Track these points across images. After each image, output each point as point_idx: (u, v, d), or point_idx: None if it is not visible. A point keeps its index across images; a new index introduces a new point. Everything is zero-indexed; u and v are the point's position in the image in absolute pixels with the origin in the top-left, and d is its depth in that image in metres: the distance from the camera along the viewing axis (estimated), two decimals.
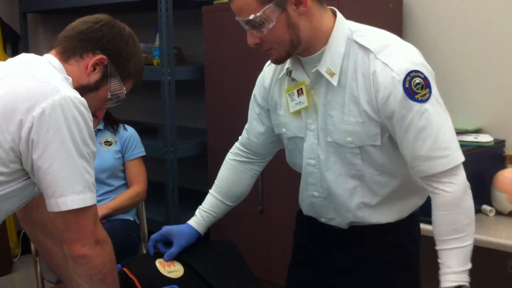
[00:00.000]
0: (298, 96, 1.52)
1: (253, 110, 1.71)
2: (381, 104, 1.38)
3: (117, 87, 1.50)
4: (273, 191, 2.67)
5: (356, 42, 1.42)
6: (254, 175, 1.77)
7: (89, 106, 1.40)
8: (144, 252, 2.74)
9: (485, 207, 2.27)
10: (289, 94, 1.54)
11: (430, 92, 1.37)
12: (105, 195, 2.64)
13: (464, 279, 1.39)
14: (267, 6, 1.36)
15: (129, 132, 2.73)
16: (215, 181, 1.81)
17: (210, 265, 1.61)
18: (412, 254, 1.59)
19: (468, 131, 2.40)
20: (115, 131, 2.69)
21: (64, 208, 1.30)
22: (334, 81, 1.43)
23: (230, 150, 1.80)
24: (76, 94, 1.34)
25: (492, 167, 2.30)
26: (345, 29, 1.45)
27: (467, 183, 1.41)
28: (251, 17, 1.37)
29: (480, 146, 2.28)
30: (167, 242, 1.66)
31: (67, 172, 1.30)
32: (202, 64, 2.99)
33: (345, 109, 1.43)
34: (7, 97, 1.31)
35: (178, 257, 1.61)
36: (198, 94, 3.19)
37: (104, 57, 1.46)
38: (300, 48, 1.44)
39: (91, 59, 1.45)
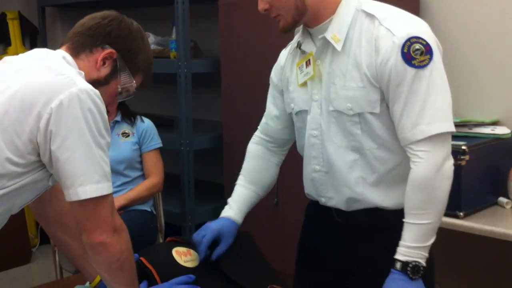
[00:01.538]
0: (306, 67, 1.54)
1: (270, 94, 1.74)
2: (381, 67, 1.39)
3: (127, 81, 1.52)
4: (289, 183, 2.68)
5: (364, 11, 1.44)
6: (278, 164, 1.79)
7: (105, 99, 1.42)
8: (161, 241, 2.77)
9: (502, 199, 2.25)
10: (299, 67, 1.56)
11: (430, 59, 1.35)
12: (122, 186, 2.67)
13: (416, 255, 1.37)
14: None
15: (146, 124, 2.76)
16: (242, 172, 1.81)
17: (225, 254, 1.63)
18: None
19: (485, 123, 2.38)
20: (132, 123, 2.73)
21: (83, 196, 1.32)
22: (338, 46, 1.45)
23: (251, 140, 1.81)
24: (91, 87, 1.36)
25: (509, 159, 2.28)
26: (355, 1, 1.46)
27: (444, 166, 1.37)
28: None
29: (497, 139, 2.26)
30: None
31: (85, 162, 1.32)
32: (218, 57, 3.01)
33: (348, 75, 1.44)
34: (26, 89, 1.34)
35: (194, 246, 1.63)
36: (213, 87, 3.21)
37: (113, 51, 1.48)
38: (307, 16, 1.46)
39: (100, 54, 1.47)
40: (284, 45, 1.75)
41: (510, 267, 2.50)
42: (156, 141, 2.77)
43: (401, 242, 1.39)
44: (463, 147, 2.06)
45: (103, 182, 1.34)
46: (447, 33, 2.62)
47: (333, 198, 1.55)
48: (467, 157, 2.06)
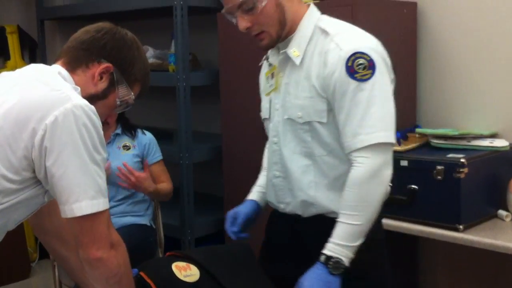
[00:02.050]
0: (271, 79, 1.67)
1: None
2: (327, 79, 1.48)
3: (125, 93, 1.52)
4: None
5: (320, 27, 1.55)
6: None
7: (100, 114, 1.42)
8: (160, 256, 2.76)
9: (502, 212, 2.25)
10: (266, 78, 1.70)
11: (372, 74, 1.45)
12: (123, 200, 2.67)
13: (340, 253, 1.45)
14: None
15: (148, 137, 2.78)
16: (262, 165, 1.91)
17: (226, 269, 1.63)
18: (364, 261, 1.53)
19: (484, 136, 2.39)
20: (133, 136, 2.74)
21: (78, 213, 1.32)
22: (297, 60, 1.55)
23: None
24: (86, 102, 1.36)
25: (508, 172, 2.28)
26: (315, 18, 1.58)
27: (380, 174, 1.44)
28: None
29: (495, 151, 2.27)
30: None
31: (80, 178, 1.32)
32: (216, 69, 3.01)
33: (300, 85, 1.55)
34: (20, 105, 1.33)
35: (193, 261, 1.62)
36: (212, 99, 3.21)
37: (110, 65, 1.48)
38: (286, 30, 1.56)
39: (97, 68, 1.47)
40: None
41: (510, 280, 2.49)
42: (159, 153, 2.79)
43: (330, 239, 1.47)
44: (462, 160, 2.07)
45: (98, 198, 1.34)
46: (444, 46, 2.63)
47: (290, 203, 1.64)
48: (465, 170, 2.06)
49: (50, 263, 2.77)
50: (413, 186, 2.17)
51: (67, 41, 1.55)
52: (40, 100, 1.34)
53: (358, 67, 1.45)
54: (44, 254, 3.84)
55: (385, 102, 1.47)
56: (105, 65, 1.47)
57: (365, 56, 1.45)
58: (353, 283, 1.50)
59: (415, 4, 2.66)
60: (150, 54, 3.25)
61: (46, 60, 3.87)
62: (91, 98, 1.44)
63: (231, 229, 1.79)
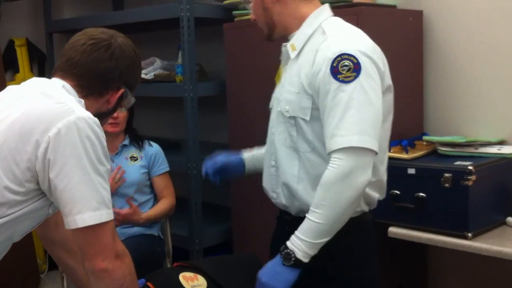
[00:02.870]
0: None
1: None
2: (313, 77, 1.51)
3: (130, 100, 1.59)
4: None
5: (322, 27, 1.58)
6: None
7: (104, 122, 1.50)
8: (169, 266, 2.76)
9: (510, 219, 2.24)
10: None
11: (356, 77, 1.45)
12: None
13: (296, 245, 1.47)
14: None
15: (155, 149, 2.79)
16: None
17: (233, 279, 1.63)
18: (341, 263, 1.58)
19: (492, 143, 2.38)
20: (140, 147, 2.75)
21: (81, 224, 1.33)
22: (292, 54, 1.61)
23: None
24: (89, 114, 1.38)
25: None
26: (321, 18, 1.61)
27: (351, 173, 1.43)
28: None
29: (503, 158, 2.26)
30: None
31: (83, 190, 1.33)
32: (223, 80, 3.03)
33: (291, 80, 1.59)
34: (24, 118, 1.35)
35: (201, 271, 1.63)
36: (219, 109, 3.22)
37: (123, 89, 1.53)
38: (279, 30, 1.65)
39: (112, 95, 1.52)
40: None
41: None
42: (165, 165, 2.80)
43: (295, 231, 1.49)
44: (470, 167, 2.06)
45: (102, 209, 1.34)
46: (450, 53, 2.63)
47: (280, 194, 1.66)
48: (473, 177, 2.05)
49: (59, 274, 2.78)
50: (421, 194, 2.17)
51: (68, 41, 1.56)
52: (44, 112, 1.35)
53: (343, 68, 1.46)
54: (53, 265, 3.84)
55: (365, 106, 1.45)
56: (120, 91, 1.52)
57: (351, 58, 1.46)
58: (326, 284, 1.56)
59: (421, 12, 2.66)
60: (158, 65, 3.27)
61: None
62: (101, 115, 1.47)
63: (206, 164, 1.90)
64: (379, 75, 1.51)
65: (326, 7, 1.65)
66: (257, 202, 2.83)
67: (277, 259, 1.49)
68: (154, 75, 3.17)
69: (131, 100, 1.58)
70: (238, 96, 2.90)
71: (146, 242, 2.63)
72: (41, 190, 1.37)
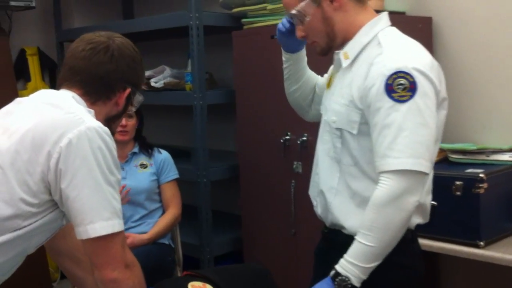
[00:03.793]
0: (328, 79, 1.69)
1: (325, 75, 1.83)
2: (365, 91, 1.46)
3: (139, 99, 1.59)
4: (306, 214, 2.66)
5: (378, 38, 1.52)
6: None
7: (116, 126, 1.52)
8: (179, 275, 2.76)
9: None
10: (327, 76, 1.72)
11: (411, 97, 1.39)
12: (141, 219, 2.68)
13: (350, 271, 1.42)
14: (303, 2, 1.54)
15: (164, 155, 2.79)
16: None
17: None
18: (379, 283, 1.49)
19: (503, 150, 2.35)
20: (150, 154, 2.76)
21: (93, 234, 1.33)
22: (345, 63, 1.55)
23: None
24: (100, 124, 1.38)
25: None
26: (378, 28, 1.54)
27: (402, 195, 1.39)
28: (293, 11, 1.56)
29: None
30: None
31: (95, 200, 1.33)
32: (232, 88, 3.02)
33: (342, 91, 1.54)
34: (35, 129, 1.36)
35: (210, 281, 1.62)
36: (228, 117, 3.22)
37: (129, 88, 1.53)
38: (338, 41, 1.57)
39: (119, 97, 1.52)
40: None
41: None
42: (173, 172, 2.79)
43: (344, 254, 1.45)
44: (481, 175, 2.04)
45: (113, 219, 1.35)
46: (460, 61, 2.61)
47: (318, 204, 1.64)
48: (485, 185, 2.03)
49: (71, 283, 2.78)
50: (431, 202, 2.14)
51: (67, 50, 1.57)
52: (54, 123, 1.36)
53: (398, 87, 1.40)
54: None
55: (419, 128, 1.40)
56: (127, 91, 1.52)
57: (407, 77, 1.40)
58: None
59: (430, 19, 2.65)
60: (167, 73, 3.27)
61: None
62: (113, 118, 1.48)
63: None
64: (435, 93, 1.44)
65: (384, 16, 1.58)
66: (267, 210, 2.82)
67: (328, 285, 1.44)
68: (164, 83, 3.18)
69: (140, 98, 1.58)
70: (247, 104, 2.90)
71: (157, 251, 2.63)
72: (55, 201, 1.38)
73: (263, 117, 2.81)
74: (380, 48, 1.48)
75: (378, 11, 2.46)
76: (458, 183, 2.07)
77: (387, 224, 1.40)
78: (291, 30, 1.67)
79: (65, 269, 1.77)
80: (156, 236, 2.63)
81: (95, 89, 1.49)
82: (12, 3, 3.42)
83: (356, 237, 1.44)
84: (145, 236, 2.58)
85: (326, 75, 1.81)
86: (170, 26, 3.04)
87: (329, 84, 1.66)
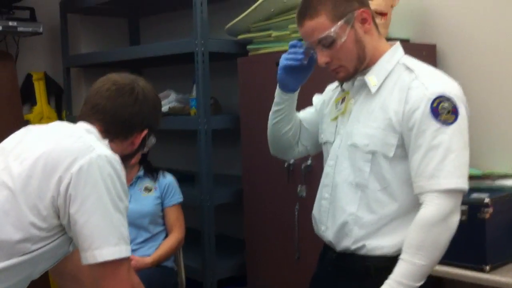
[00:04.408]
0: (341, 104, 1.67)
1: (306, 109, 1.87)
2: (407, 115, 1.48)
3: (152, 142, 1.65)
4: (311, 238, 2.66)
5: (404, 64, 1.56)
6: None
7: (129, 162, 1.56)
8: None
9: None
10: (336, 104, 1.69)
11: (455, 119, 1.45)
12: (144, 243, 2.68)
13: None
14: (339, 23, 1.51)
15: (168, 179, 2.79)
16: None
17: None
18: None
19: (508, 176, 2.36)
20: (154, 178, 2.77)
21: (100, 259, 1.35)
22: (373, 89, 1.56)
23: None
24: (110, 152, 1.41)
25: None
26: (399, 55, 1.60)
27: (450, 215, 1.44)
28: (324, 34, 1.52)
29: None
30: None
31: (103, 226, 1.35)
32: (237, 113, 3.05)
33: (373, 115, 1.54)
34: (48, 155, 1.39)
35: None
36: (233, 142, 3.24)
37: (146, 131, 1.59)
38: (364, 65, 1.58)
39: (136, 137, 1.57)
40: (302, 102, 1.81)
41: None
42: (178, 196, 2.80)
43: (390, 276, 1.44)
44: (486, 200, 2.04)
45: (121, 244, 1.37)
46: (464, 88, 2.62)
47: (328, 228, 1.63)
48: (490, 210, 2.04)
49: None
50: None
51: (91, 87, 1.60)
52: (66, 150, 1.39)
53: (442, 110, 1.45)
54: None
55: (463, 149, 1.47)
56: (144, 132, 1.58)
57: (450, 101, 1.47)
58: None
59: (434, 46, 2.68)
60: (172, 98, 3.31)
61: (71, 105, 3.95)
62: (126, 156, 1.52)
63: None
64: (467, 116, 1.53)
65: (400, 46, 1.64)
66: (271, 234, 2.81)
67: None
68: (169, 108, 3.21)
69: (153, 140, 1.64)
70: (252, 129, 2.92)
71: (160, 274, 2.62)
72: (63, 226, 1.40)
73: (267, 142, 2.82)
74: (412, 73, 1.53)
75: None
76: (463, 208, 2.07)
77: (435, 243, 1.44)
78: (301, 65, 1.64)
79: None
80: (159, 259, 2.62)
81: (115, 129, 1.54)
82: (20, 29, 3.47)
83: (402, 257, 1.45)
84: (148, 260, 2.57)
85: (311, 108, 1.82)
86: (176, 52, 3.08)
87: (345, 110, 1.64)
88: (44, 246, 1.39)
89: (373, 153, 1.53)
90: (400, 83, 1.53)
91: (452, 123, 1.45)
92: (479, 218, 2.05)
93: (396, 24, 2.71)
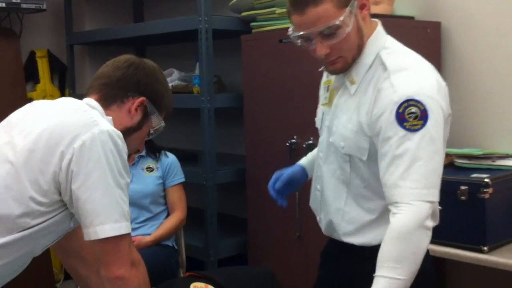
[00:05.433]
0: (327, 92, 1.60)
1: None
2: (374, 119, 1.40)
3: (157, 122, 1.61)
4: (311, 218, 2.67)
5: (381, 58, 1.45)
6: None
7: (134, 144, 1.53)
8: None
9: None
10: (324, 87, 1.62)
11: (423, 125, 1.33)
12: (146, 222, 2.69)
13: None
14: (346, 10, 1.39)
15: (170, 159, 2.79)
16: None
17: None
18: None
19: (509, 156, 2.35)
20: (156, 158, 2.77)
21: (102, 235, 1.36)
22: (352, 89, 1.48)
23: None
24: (113, 128, 1.41)
25: None
26: (380, 43, 1.48)
27: (426, 224, 1.32)
28: (331, 23, 1.38)
29: None
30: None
31: (105, 202, 1.36)
32: (241, 92, 3.04)
33: (348, 114, 1.48)
34: (51, 130, 1.39)
35: (212, 281, 1.62)
36: (237, 121, 3.23)
37: (143, 98, 1.55)
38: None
39: (132, 103, 1.55)
40: (306, 80, 1.78)
41: None
42: (179, 176, 2.80)
43: None
44: (486, 180, 2.03)
45: (122, 221, 1.38)
46: (468, 66, 2.61)
47: (321, 220, 1.61)
48: (490, 190, 2.03)
49: (74, 284, 2.79)
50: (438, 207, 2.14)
51: (95, 65, 1.62)
52: (69, 124, 1.39)
53: (409, 115, 1.34)
54: (69, 275, 3.86)
55: (432, 157, 1.34)
56: (139, 99, 1.55)
57: (418, 105, 1.34)
58: None
59: (439, 23, 2.65)
60: (175, 76, 3.29)
61: (75, 83, 3.95)
62: (127, 131, 1.51)
63: (272, 186, 1.74)
64: (443, 116, 1.39)
65: (380, 28, 1.51)
66: (273, 214, 2.82)
67: None
68: (172, 86, 3.20)
69: (160, 123, 1.60)
70: (255, 108, 2.91)
71: (161, 252, 2.64)
72: (64, 202, 1.41)
73: (271, 121, 2.82)
74: (385, 71, 1.42)
75: (386, 16, 2.48)
76: (463, 187, 2.07)
77: (415, 253, 1.32)
78: (284, 185, 1.69)
79: (70, 268, 1.79)
80: (160, 238, 2.63)
81: (109, 91, 1.54)
82: (23, 6, 3.45)
83: (379, 273, 1.32)
84: (148, 238, 2.59)
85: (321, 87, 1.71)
86: (180, 29, 3.06)
87: (330, 101, 1.57)
88: (44, 221, 1.39)
89: (349, 155, 1.48)
90: (375, 81, 1.43)
91: (419, 129, 1.33)
92: (479, 198, 2.04)
93: (401, 1, 2.68)
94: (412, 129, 1.33)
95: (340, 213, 1.53)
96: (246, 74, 2.95)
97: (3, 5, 3.37)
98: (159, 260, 2.55)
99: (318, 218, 1.66)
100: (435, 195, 1.35)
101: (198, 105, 2.96)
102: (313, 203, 1.68)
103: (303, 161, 1.82)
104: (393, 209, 1.34)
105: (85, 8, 4.09)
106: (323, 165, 1.58)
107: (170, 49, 3.99)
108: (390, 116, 1.36)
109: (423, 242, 1.32)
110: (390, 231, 1.33)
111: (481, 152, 2.28)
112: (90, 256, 1.66)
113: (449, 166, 2.33)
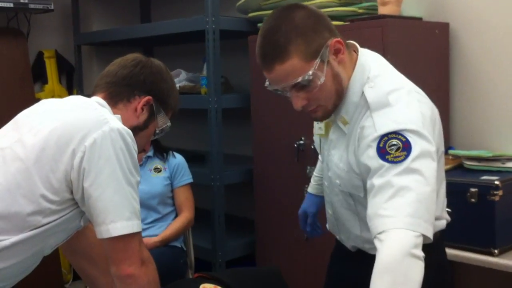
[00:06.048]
0: (321, 122, 1.56)
1: None
2: (358, 158, 1.38)
3: (163, 122, 1.61)
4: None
5: (364, 94, 1.41)
6: None
7: (140, 143, 1.52)
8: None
9: None
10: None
11: (406, 156, 1.29)
12: (154, 222, 2.69)
13: None
14: (315, 62, 1.35)
15: (178, 160, 2.79)
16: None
17: None
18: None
19: None
20: (164, 158, 2.77)
21: (114, 234, 1.36)
22: (346, 129, 1.45)
23: None
24: (123, 126, 1.41)
25: None
26: (364, 77, 1.43)
27: (414, 252, 1.20)
28: (300, 78, 1.35)
29: None
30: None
31: (117, 199, 1.36)
32: (248, 92, 3.04)
33: (340, 153, 1.47)
34: (62, 128, 1.39)
35: (221, 282, 1.62)
36: (244, 121, 3.23)
37: (150, 97, 1.55)
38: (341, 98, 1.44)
39: (139, 102, 1.55)
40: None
41: None
42: (187, 176, 2.80)
43: None
44: (496, 182, 2.02)
45: (133, 219, 1.38)
46: (477, 66, 2.59)
47: (343, 240, 1.62)
48: (500, 192, 2.02)
49: (83, 284, 2.80)
50: (446, 209, 2.13)
51: (103, 65, 1.62)
52: (80, 122, 1.40)
53: (391, 148, 1.30)
54: (78, 275, 3.86)
55: (417, 187, 1.27)
56: (146, 98, 1.55)
57: (400, 137, 1.30)
58: None
59: (447, 24, 2.64)
60: (183, 77, 3.29)
61: (82, 83, 3.96)
62: (133, 130, 1.52)
63: (305, 228, 1.89)
64: (430, 148, 1.33)
65: (362, 56, 1.45)
66: (281, 215, 2.82)
67: None
68: (179, 86, 3.20)
69: (167, 122, 1.61)
70: (263, 108, 2.91)
71: (169, 253, 2.64)
72: (75, 201, 1.41)
73: (278, 122, 2.81)
74: (367, 108, 1.39)
75: (394, 17, 2.48)
76: (473, 190, 2.06)
77: (405, 284, 1.18)
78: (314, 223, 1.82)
79: (79, 268, 1.79)
80: (168, 239, 2.63)
81: (116, 89, 1.54)
82: (31, 6, 3.46)
83: None
84: (156, 239, 2.58)
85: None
86: (187, 30, 3.06)
87: (326, 132, 1.54)
88: (55, 220, 1.40)
89: (348, 192, 1.48)
90: (360, 119, 1.40)
91: (402, 160, 1.28)
92: (488, 200, 2.03)
93: (409, 2, 2.67)
94: (395, 161, 1.29)
95: (360, 239, 1.53)
96: (254, 74, 2.94)
97: (11, 5, 3.38)
98: (167, 260, 2.55)
99: (337, 237, 1.66)
100: (421, 226, 1.24)
101: (205, 106, 2.96)
102: (330, 226, 1.69)
103: (313, 189, 1.90)
104: (377, 243, 1.26)
105: (93, 8, 4.09)
106: (330, 194, 1.59)
107: (177, 50, 4.00)
108: (372, 152, 1.33)
109: (414, 272, 1.19)
110: (376, 265, 1.22)
111: (490, 154, 2.27)
112: (99, 257, 1.67)
113: (458, 168, 2.32)
